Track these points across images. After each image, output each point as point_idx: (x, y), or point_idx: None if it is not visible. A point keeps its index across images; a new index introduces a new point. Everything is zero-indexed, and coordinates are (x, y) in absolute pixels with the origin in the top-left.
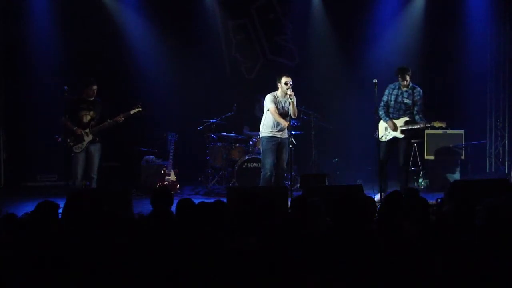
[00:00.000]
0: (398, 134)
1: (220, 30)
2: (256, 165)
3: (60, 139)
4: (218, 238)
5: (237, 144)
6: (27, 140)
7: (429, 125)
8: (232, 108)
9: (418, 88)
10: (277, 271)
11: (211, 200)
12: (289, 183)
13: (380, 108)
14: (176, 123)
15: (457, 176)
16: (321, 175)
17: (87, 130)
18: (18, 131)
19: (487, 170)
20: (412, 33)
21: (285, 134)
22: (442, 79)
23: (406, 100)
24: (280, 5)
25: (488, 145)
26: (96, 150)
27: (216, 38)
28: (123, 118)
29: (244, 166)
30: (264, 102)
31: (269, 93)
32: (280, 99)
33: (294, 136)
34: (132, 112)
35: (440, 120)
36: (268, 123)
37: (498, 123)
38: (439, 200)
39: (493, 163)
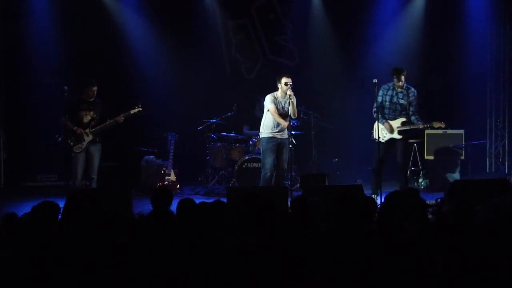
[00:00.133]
0: (395, 135)
1: (220, 30)
2: (256, 165)
3: (60, 139)
4: (218, 238)
5: (237, 144)
6: (27, 140)
7: (428, 126)
8: (232, 108)
9: (413, 89)
10: (277, 271)
11: (211, 200)
12: (289, 183)
13: (374, 109)
14: (176, 123)
15: (457, 176)
16: (321, 175)
17: (87, 130)
18: (18, 131)
19: (487, 170)
20: (412, 33)
21: (285, 135)
22: (442, 79)
23: (402, 101)
24: (280, 5)
25: (488, 145)
26: (96, 150)
27: (216, 38)
28: (123, 118)
29: (244, 166)
30: (264, 103)
31: (269, 93)
32: (280, 99)
33: (294, 136)
34: (132, 112)
35: (439, 121)
36: (268, 124)
37: (498, 123)
38: (439, 200)
39: (493, 163)
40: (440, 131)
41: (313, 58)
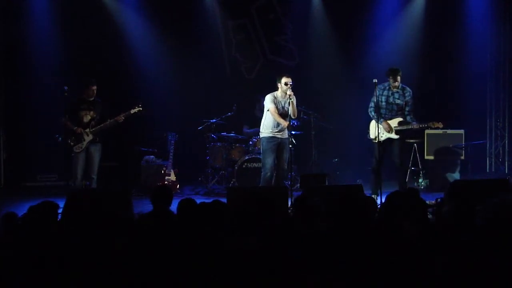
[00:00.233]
0: (392, 135)
1: (220, 30)
2: (256, 165)
3: (60, 139)
4: (218, 238)
5: (237, 144)
6: (27, 140)
7: (425, 126)
8: (232, 108)
9: (408, 88)
10: (277, 271)
11: (211, 200)
12: (289, 183)
13: (371, 109)
14: (176, 123)
15: (457, 176)
16: (321, 175)
17: (87, 130)
18: (18, 131)
19: (487, 170)
20: (412, 33)
21: (285, 134)
22: (442, 79)
23: (398, 101)
24: (280, 5)
25: (488, 145)
26: (96, 150)
27: (216, 38)
28: (123, 118)
29: (244, 166)
30: (264, 102)
31: (269, 93)
32: (280, 99)
33: (294, 136)
34: (132, 111)
35: (437, 121)
36: (268, 124)
37: (498, 123)
38: (439, 200)
39: (493, 163)
40: (440, 131)
41: (313, 58)
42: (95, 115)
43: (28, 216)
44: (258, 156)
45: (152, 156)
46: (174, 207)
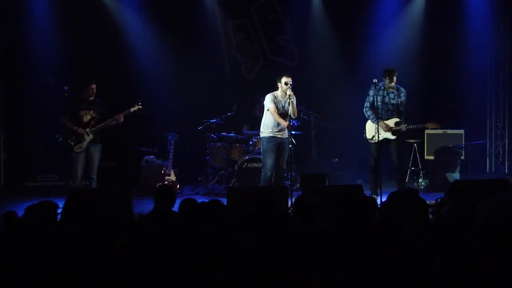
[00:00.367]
0: (389, 136)
1: (220, 30)
2: (256, 165)
3: (60, 139)
4: (218, 238)
5: (237, 144)
6: (27, 140)
7: (421, 126)
8: (232, 108)
9: (402, 89)
10: (277, 271)
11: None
12: (289, 183)
13: (367, 109)
14: (176, 123)
15: (457, 176)
16: (321, 175)
17: (87, 130)
18: (18, 131)
19: (487, 170)
20: (412, 33)
21: (285, 134)
22: (442, 79)
23: (393, 101)
24: (280, 5)
25: (488, 145)
26: (96, 150)
27: (216, 38)
28: (122, 118)
29: (244, 166)
30: (264, 102)
31: (269, 93)
32: (280, 99)
33: (294, 136)
34: (132, 110)
35: (434, 122)
36: (269, 123)
37: (498, 123)
38: (439, 200)
39: (493, 163)
40: (440, 131)
41: (313, 58)
42: (95, 115)
43: (26, 215)
44: (258, 156)
45: (152, 156)
46: (174, 207)
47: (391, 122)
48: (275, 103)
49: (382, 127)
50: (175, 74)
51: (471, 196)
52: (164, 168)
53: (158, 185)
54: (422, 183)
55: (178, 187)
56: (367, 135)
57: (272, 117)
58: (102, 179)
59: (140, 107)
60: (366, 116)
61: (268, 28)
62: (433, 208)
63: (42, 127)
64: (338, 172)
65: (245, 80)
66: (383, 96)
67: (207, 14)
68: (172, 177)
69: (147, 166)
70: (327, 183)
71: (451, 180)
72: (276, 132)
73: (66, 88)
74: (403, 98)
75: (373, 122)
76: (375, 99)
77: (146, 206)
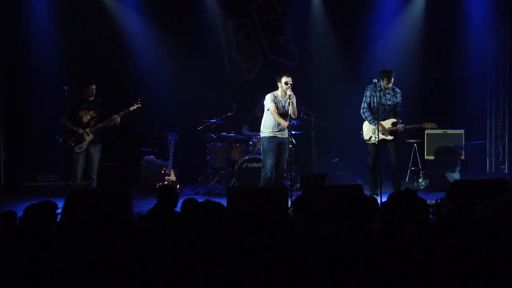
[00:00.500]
0: (386, 136)
1: (220, 30)
2: (256, 165)
3: (60, 140)
4: (218, 238)
5: (237, 144)
6: (27, 140)
7: (418, 126)
8: (232, 108)
9: (398, 89)
10: (277, 271)
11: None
12: (289, 183)
13: (364, 110)
14: (176, 123)
15: (457, 176)
16: (321, 175)
17: (87, 130)
18: (18, 131)
19: (487, 170)
20: (412, 33)
21: (285, 134)
22: (442, 79)
23: (389, 102)
24: (280, 5)
25: (488, 145)
26: (96, 150)
27: (216, 38)
28: (119, 118)
29: (244, 166)
30: (264, 102)
31: (269, 93)
32: (280, 99)
33: (294, 136)
34: (131, 109)
35: (431, 122)
36: (269, 123)
37: (498, 123)
38: (439, 200)
39: (493, 163)
40: (440, 131)
41: (313, 58)
42: (94, 115)
43: (26, 215)
44: (258, 156)
45: (152, 156)
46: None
47: (388, 123)
48: (275, 103)
49: (380, 129)
50: (175, 74)
51: (471, 196)
52: (164, 168)
53: (160, 185)
54: (422, 183)
55: (178, 187)
56: (364, 136)
57: (272, 117)
58: (102, 179)
59: (140, 106)
60: (364, 117)
61: (268, 28)
62: (433, 208)
63: (42, 127)
64: (338, 172)
65: (245, 80)
66: (380, 97)
67: (207, 14)
68: (172, 177)
69: (147, 166)
70: (327, 183)
71: (451, 180)
72: (276, 132)
73: (66, 88)
74: (399, 99)
75: (370, 123)
76: (371, 100)
77: (146, 206)
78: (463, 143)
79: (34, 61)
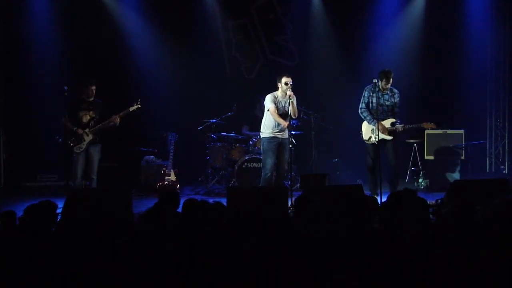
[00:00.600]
0: (386, 136)
1: (220, 30)
2: (256, 165)
3: (60, 140)
4: (218, 238)
5: (237, 144)
6: (27, 140)
7: (417, 126)
8: (232, 108)
9: (396, 90)
10: (277, 271)
11: (211, 200)
12: (289, 183)
13: (363, 110)
14: (176, 123)
15: (457, 176)
16: (321, 175)
17: (86, 130)
18: (18, 131)
19: (487, 170)
20: (412, 33)
21: (285, 134)
22: (442, 79)
23: (388, 102)
24: (280, 5)
25: (488, 145)
26: (96, 151)
27: (216, 38)
28: (118, 119)
29: (244, 166)
30: (264, 102)
31: (269, 93)
32: (280, 99)
33: (294, 136)
34: (131, 109)
35: (430, 121)
36: (269, 124)
37: (498, 123)
38: (439, 200)
39: (493, 163)
40: (440, 131)
41: (313, 58)
42: (94, 115)
43: (26, 215)
44: (258, 156)
45: (152, 156)
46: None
47: (387, 123)
48: (275, 103)
49: (379, 129)
50: (175, 74)
51: (471, 196)
52: (164, 168)
53: (161, 185)
54: (422, 183)
55: (178, 187)
56: (363, 136)
57: (272, 117)
58: (102, 179)
59: (139, 106)
60: (362, 117)
61: (268, 28)
62: (433, 208)
63: (42, 127)
64: (338, 172)
65: (245, 80)
66: (378, 98)
67: (207, 14)
68: (172, 177)
69: (147, 166)
70: (327, 183)
71: (451, 180)
72: (276, 132)
73: (66, 88)
74: (397, 99)
75: (369, 123)
76: (370, 101)
77: (146, 206)
78: (463, 143)
79: (34, 61)
